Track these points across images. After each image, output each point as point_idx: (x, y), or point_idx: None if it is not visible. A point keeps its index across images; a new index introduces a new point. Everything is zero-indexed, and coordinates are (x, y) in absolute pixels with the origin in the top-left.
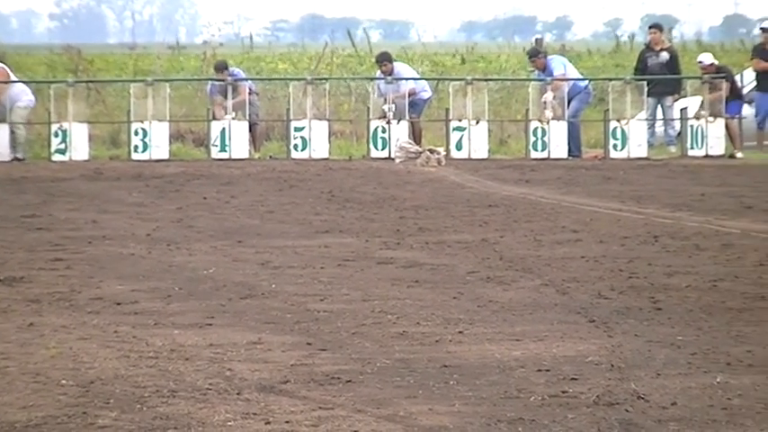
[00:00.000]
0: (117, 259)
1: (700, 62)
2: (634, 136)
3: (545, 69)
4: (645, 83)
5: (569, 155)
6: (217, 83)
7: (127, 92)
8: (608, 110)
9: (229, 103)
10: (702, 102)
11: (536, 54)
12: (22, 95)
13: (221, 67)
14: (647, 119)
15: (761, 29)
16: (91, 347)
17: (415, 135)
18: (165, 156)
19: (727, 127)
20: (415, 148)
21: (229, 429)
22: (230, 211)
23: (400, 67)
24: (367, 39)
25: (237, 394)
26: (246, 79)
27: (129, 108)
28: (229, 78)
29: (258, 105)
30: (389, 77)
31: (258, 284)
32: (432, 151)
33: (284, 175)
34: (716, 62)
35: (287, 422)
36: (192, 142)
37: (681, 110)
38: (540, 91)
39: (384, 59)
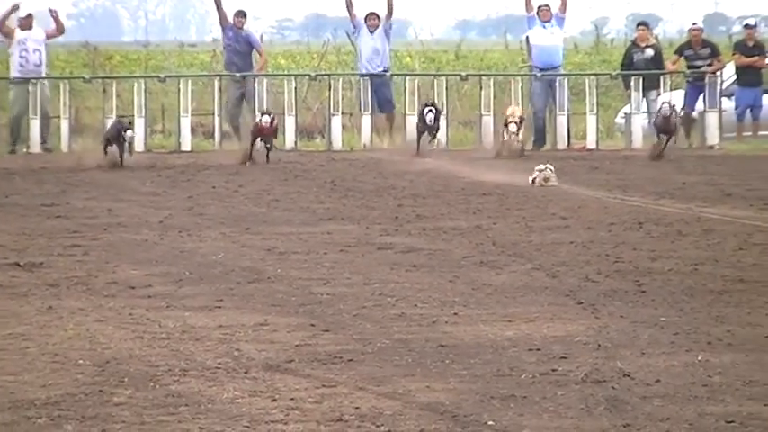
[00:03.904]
0: (131, 245)
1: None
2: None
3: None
4: (631, 77)
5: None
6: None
7: (141, 87)
8: (595, 103)
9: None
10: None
11: None
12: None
13: (242, 14)
14: (631, 112)
15: (744, 25)
16: (107, 329)
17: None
18: (188, 148)
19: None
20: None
21: (237, 406)
22: (238, 200)
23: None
24: None
25: (245, 373)
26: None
27: (141, 103)
28: (243, 32)
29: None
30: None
31: (265, 269)
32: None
33: (289, 165)
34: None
35: (292, 399)
36: (202, 135)
37: (663, 103)
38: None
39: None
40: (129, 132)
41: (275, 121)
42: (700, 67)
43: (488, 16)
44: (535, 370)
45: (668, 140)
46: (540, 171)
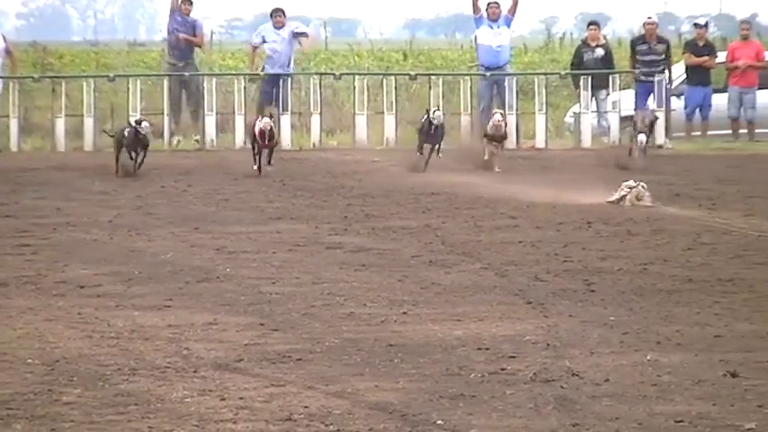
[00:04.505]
0: (81, 245)
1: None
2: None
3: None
4: (580, 77)
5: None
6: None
7: (91, 86)
8: (544, 102)
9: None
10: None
11: None
12: None
13: (189, 2)
14: (581, 111)
15: (694, 24)
16: (56, 328)
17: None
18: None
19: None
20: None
21: (186, 405)
22: (188, 199)
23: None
24: (325, 35)
25: (194, 372)
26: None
27: (90, 102)
28: (190, 18)
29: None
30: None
31: (214, 268)
32: (631, 188)
33: (238, 165)
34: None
35: (241, 398)
36: (152, 134)
37: (612, 102)
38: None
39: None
40: (144, 124)
41: (275, 137)
42: (653, 61)
43: (438, 15)
44: (484, 369)
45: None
46: (631, 188)
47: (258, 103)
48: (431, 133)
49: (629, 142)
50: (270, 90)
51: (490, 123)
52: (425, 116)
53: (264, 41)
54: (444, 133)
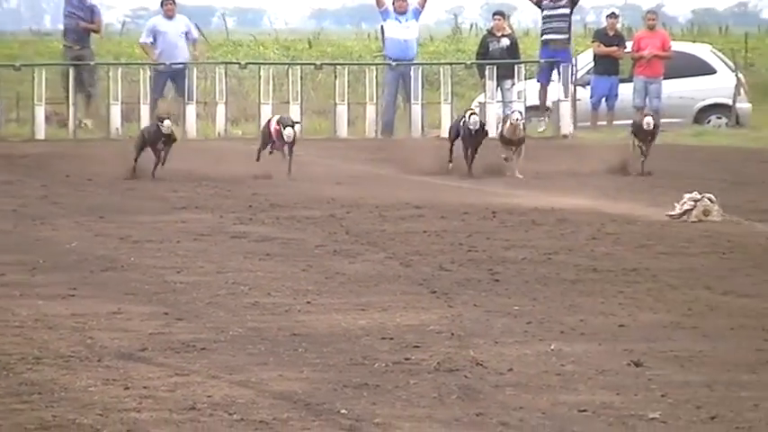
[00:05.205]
0: None
1: None
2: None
3: None
4: (486, 67)
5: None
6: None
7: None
8: (449, 92)
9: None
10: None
11: None
12: None
13: None
14: (486, 101)
15: (610, 14)
16: None
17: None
18: (43, 137)
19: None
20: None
21: (90, 394)
22: (93, 189)
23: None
24: (224, 25)
25: (98, 361)
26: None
27: None
28: (88, 2)
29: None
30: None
31: (119, 258)
32: (696, 201)
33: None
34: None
35: (145, 387)
36: (57, 123)
37: (518, 92)
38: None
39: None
40: (166, 123)
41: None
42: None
43: (344, 5)
44: (388, 359)
45: (648, 149)
46: (696, 201)
47: (151, 99)
48: (471, 137)
49: (630, 146)
50: (162, 83)
51: (507, 124)
52: (460, 121)
53: (155, 36)
54: (485, 134)
